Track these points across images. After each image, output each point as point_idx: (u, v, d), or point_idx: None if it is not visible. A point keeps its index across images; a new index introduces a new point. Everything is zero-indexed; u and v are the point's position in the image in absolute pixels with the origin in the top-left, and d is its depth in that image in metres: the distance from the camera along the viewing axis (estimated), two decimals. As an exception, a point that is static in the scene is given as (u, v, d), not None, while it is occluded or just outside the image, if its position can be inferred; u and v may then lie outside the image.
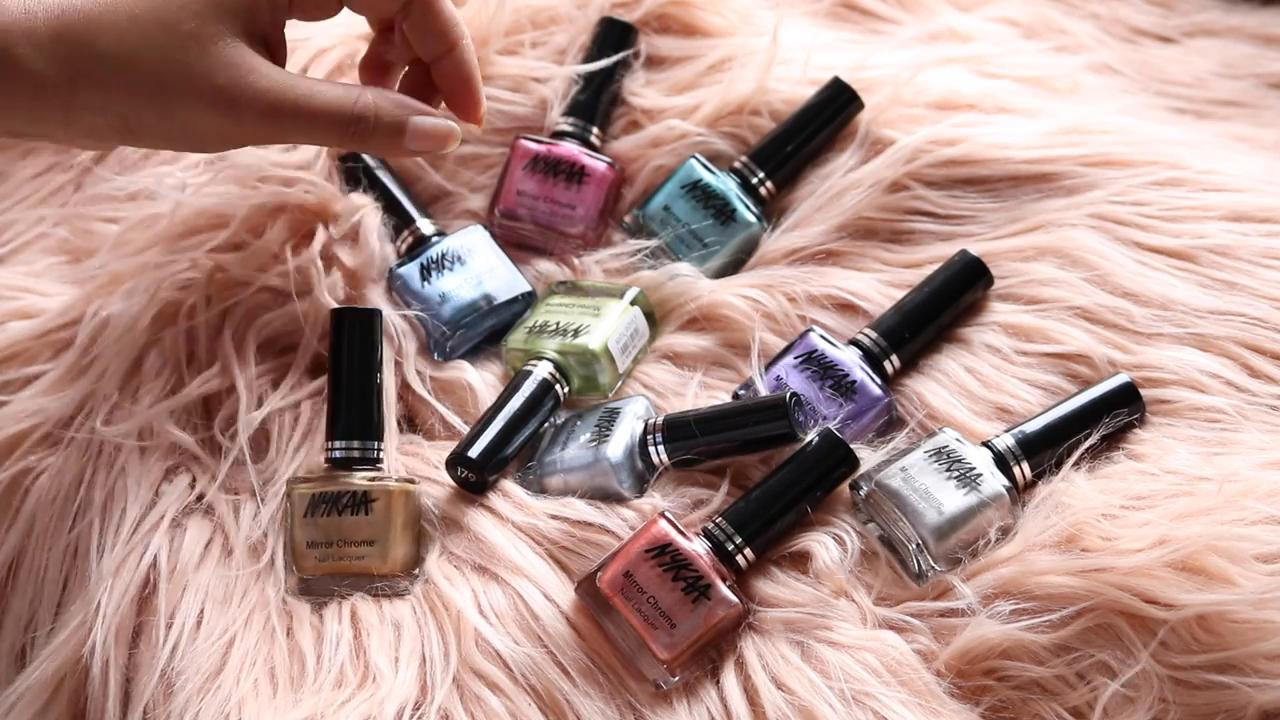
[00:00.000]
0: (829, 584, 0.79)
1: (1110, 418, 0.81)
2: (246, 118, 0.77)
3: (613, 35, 0.97)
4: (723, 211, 0.92)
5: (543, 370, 0.86)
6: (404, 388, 0.89)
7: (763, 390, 0.85)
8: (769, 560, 0.81)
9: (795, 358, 0.86)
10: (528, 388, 0.86)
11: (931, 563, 0.79)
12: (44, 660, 0.81)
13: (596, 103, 0.96)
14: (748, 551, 0.79)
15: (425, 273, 0.91)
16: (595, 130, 0.95)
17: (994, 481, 0.79)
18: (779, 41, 0.95)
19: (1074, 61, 1.02)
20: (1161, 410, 0.83)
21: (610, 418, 0.84)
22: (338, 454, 0.83)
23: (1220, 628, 0.73)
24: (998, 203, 0.91)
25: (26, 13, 0.73)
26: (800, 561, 0.81)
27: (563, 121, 0.95)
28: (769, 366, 0.86)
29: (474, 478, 0.84)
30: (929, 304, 0.87)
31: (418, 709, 0.77)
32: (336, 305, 0.87)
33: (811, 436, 0.82)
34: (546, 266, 0.93)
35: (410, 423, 0.89)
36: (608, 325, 0.87)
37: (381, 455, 0.84)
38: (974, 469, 0.80)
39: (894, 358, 0.86)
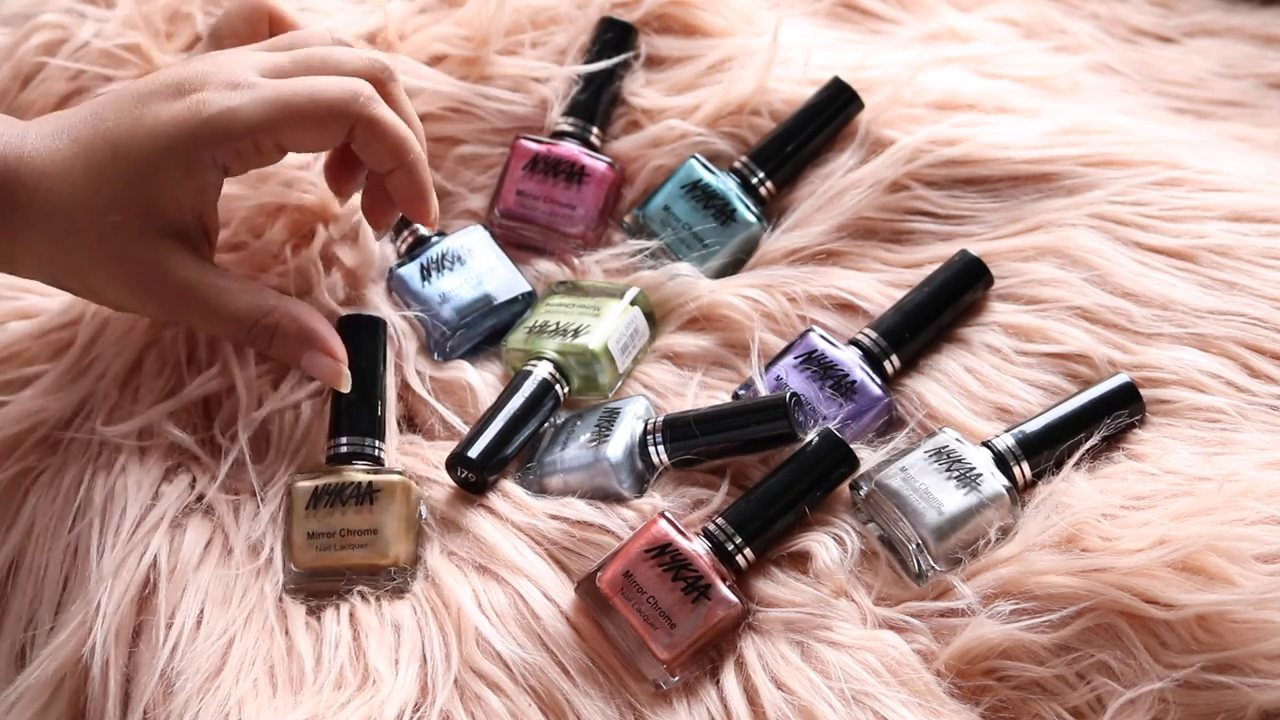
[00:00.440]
0: (829, 584, 0.79)
1: (1110, 418, 0.81)
2: (151, 305, 0.82)
3: (613, 35, 0.97)
4: (723, 211, 0.92)
5: (543, 370, 0.86)
6: (404, 388, 0.89)
7: (763, 390, 0.85)
8: (769, 560, 0.81)
9: (795, 358, 0.86)
10: (528, 388, 0.86)
11: (931, 563, 0.79)
12: (44, 660, 0.81)
13: (596, 103, 0.96)
14: (748, 551, 0.79)
15: (425, 273, 0.91)
16: (595, 130, 0.95)
17: (994, 481, 0.79)
18: (779, 41, 0.95)
19: (1074, 61, 1.02)
20: (1161, 410, 0.83)
21: (610, 418, 0.84)
22: (342, 449, 0.83)
23: (1220, 628, 0.73)
24: (998, 203, 0.91)
25: None
26: (800, 561, 0.81)
27: (563, 121, 0.95)
28: (769, 366, 0.86)
29: (474, 478, 0.84)
30: (929, 304, 0.87)
31: (418, 710, 0.76)
32: (344, 314, 0.88)
33: (811, 436, 0.81)
34: (546, 266, 0.93)
35: (410, 423, 0.89)
36: (608, 325, 0.87)
37: (382, 454, 0.84)
38: (974, 469, 0.80)
39: (894, 358, 0.86)
